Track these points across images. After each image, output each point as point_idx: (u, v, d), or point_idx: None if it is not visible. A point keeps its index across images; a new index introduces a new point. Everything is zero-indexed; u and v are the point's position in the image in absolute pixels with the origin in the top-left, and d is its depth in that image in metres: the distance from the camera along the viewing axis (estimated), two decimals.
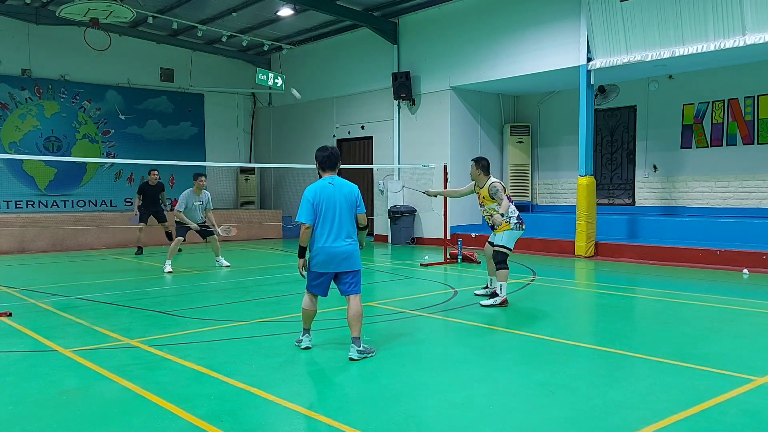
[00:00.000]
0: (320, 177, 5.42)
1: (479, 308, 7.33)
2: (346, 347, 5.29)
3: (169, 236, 12.87)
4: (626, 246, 11.98)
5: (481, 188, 7.67)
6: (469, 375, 4.79)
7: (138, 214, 13.60)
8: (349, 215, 5.28)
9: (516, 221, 7.52)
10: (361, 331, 5.25)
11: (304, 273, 5.44)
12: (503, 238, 7.52)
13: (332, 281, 5.39)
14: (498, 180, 7.66)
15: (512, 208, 7.49)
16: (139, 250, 13.70)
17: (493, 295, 7.52)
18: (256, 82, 16.72)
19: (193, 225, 10.73)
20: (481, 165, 7.67)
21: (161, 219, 13.74)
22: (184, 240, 11.12)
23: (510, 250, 7.55)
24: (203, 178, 10.82)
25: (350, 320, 5.24)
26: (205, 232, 11.05)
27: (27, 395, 4.36)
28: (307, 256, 5.39)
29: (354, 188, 5.39)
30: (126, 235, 14.99)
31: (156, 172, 13.73)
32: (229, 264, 11.23)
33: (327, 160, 5.39)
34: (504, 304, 7.37)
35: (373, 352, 5.23)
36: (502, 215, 7.41)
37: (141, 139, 17.82)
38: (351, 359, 5.09)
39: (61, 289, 8.88)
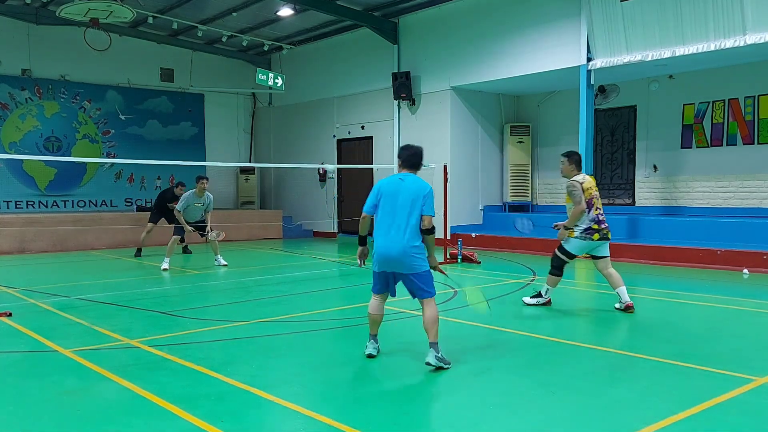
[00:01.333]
0: None
1: (478, 309, 7.30)
2: (348, 347, 5.27)
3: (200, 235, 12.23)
4: (626, 246, 11.96)
5: None
6: (469, 375, 4.78)
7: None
8: (415, 214, 4.96)
9: (583, 232, 6.91)
10: (438, 335, 4.93)
11: (362, 263, 5.32)
12: (568, 242, 7.08)
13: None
14: (579, 180, 6.93)
15: (584, 216, 6.89)
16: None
17: (538, 295, 7.42)
18: (256, 82, 16.73)
19: (188, 227, 11.00)
20: (574, 159, 7.04)
21: (171, 221, 13.50)
22: (183, 240, 11.24)
23: (570, 255, 7.09)
24: (205, 181, 11.10)
25: (424, 325, 5.01)
26: (201, 228, 11.27)
27: (27, 395, 4.36)
28: (370, 250, 5.23)
29: (423, 186, 5.03)
30: (126, 235, 14.98)
31: (182, 187, 12.54)
32: (226, 263, 11.29)
33: (408, 159, 5.21)
34: (547, 304, 7.33)
35: (448, 365, 4.88)
36: (567, 228, 6.90)
37: (141, 139, 17.80)
38: (427, 363, 4.83)
39: (61, 289, 8.88)
